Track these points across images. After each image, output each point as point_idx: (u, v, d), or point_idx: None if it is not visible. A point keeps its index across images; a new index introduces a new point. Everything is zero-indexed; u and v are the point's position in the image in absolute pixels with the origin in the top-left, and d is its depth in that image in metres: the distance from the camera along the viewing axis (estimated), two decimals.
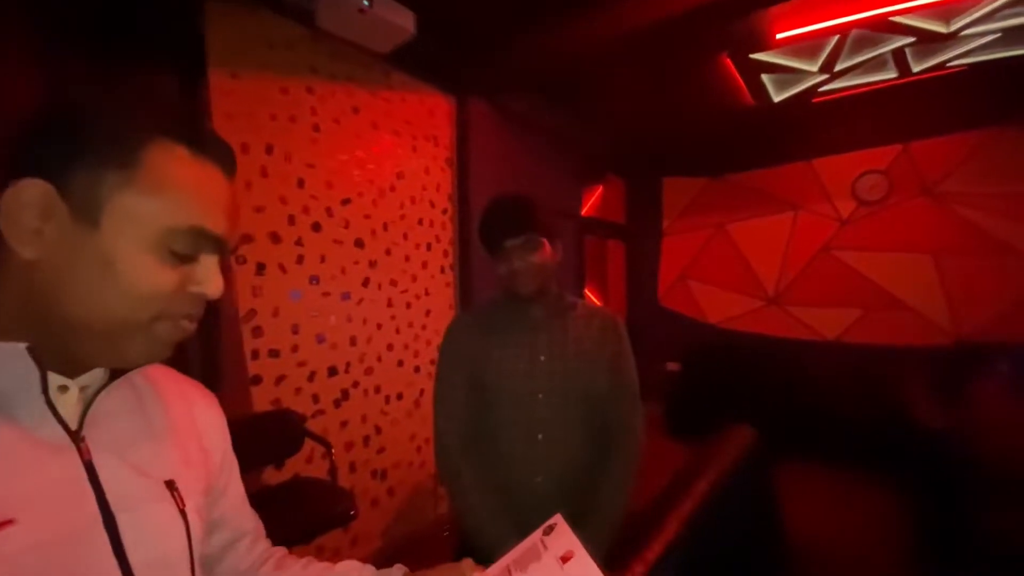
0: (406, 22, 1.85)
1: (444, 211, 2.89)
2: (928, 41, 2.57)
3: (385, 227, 2.55)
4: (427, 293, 2.78)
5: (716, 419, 2.35)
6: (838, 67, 2.93)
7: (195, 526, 0.53)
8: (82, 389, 0.48)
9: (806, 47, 2.77)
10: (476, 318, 1.25)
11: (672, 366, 4.66)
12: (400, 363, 2.64)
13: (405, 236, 2.65)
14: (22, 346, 0.43)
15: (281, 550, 0.72)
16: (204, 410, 0.62)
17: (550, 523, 0.68)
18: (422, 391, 2.75)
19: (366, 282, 2.46)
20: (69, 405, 0.47)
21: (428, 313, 2.79)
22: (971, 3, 2.24)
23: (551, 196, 3.75)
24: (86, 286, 0.43)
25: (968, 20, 2.33)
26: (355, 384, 2.40)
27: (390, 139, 2.57)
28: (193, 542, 0.52)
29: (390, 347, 2.58)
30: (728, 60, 2.91)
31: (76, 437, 0.46)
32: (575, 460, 1.15)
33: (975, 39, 2.55)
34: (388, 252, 2.57)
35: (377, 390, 2.51)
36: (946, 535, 2.06)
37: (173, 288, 0.46)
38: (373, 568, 0.69)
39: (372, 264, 2.49)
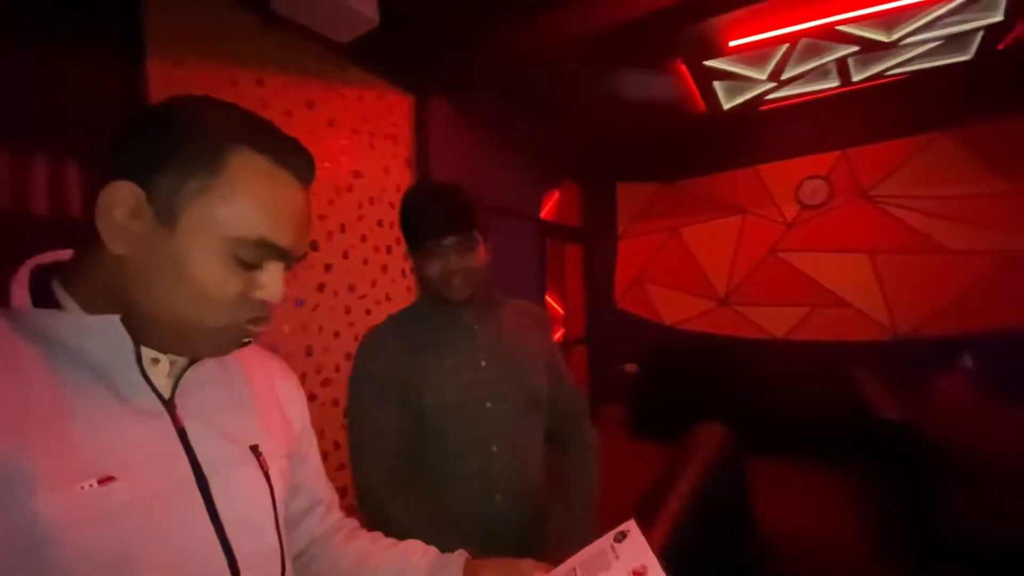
0: (370, 11, 1.75)
1: None
2: (871, 50, 2.73)
3: (342, 229, 2.41)
4: (388, 299, 2.66)
5: (675, 418, 2.37)
6: (785, 75, 3.06)
7: (278, 488, 0.57)
8: (172, 363, 0.52)
9: (756, 55, 2.87)
10: (397, 330, 1.07)
11: (630, 367, 4.72)
12: None
13: (364, 238, 2.52)
14: (116, 317, 0.46)
15: (353, 522, 0.76)
16: (284, 382, 0.67)
17: (622, 529, 0.62)
18: None
19: (322, 287, 2.32)
20: (161, 376, 0.51)
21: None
22: (914, 11, 2.39)
23: (511, 198, 3.71)
24: (161, 285, 0.46)
25: (910, 29, 2.49)
26: (311, 397, 2.24)
27: (347, 136, 2.45)
28: (277, 502, 0.56)
29: (349, 356, 2.43)
30: (683, 66, 2.98)
31: (169, 405, 0.50)
32: (532, 470, 1.07)
33: (915, 47, 2.73)
34: (345, 255, 2.43)
35: (335, 403, 2.36)
36: (909, 523, 2.15)
37: (237, 294, 0.49)
38: (436, 550, 0.72)
39: (328, 268, 2.35)
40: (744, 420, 2.30)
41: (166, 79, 1.73)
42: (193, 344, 0.50)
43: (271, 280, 0.50)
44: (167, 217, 0.45)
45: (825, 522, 2.73)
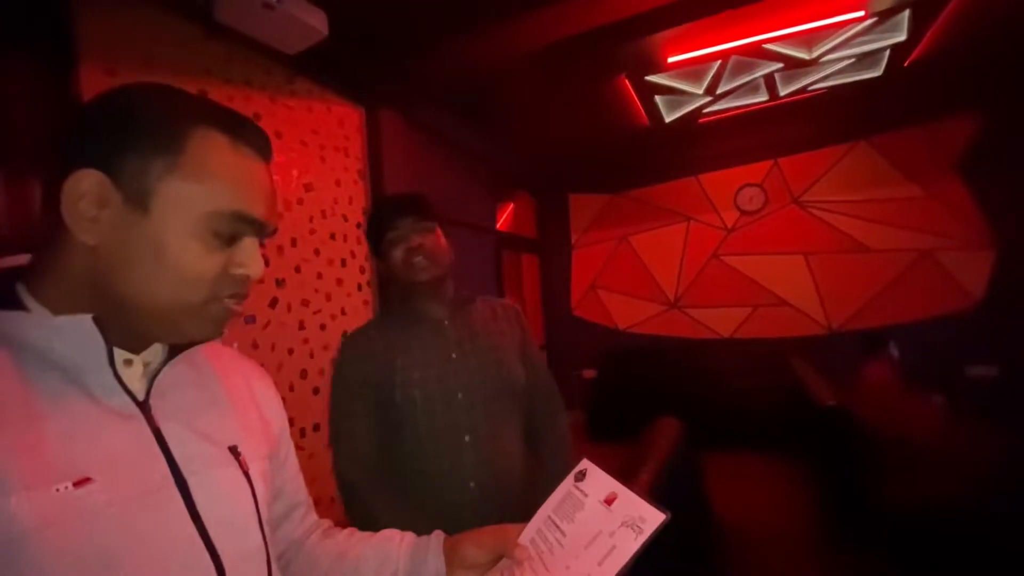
0: (319, 23, 1.74)
1: (358, 225, 2.74)
2: (794, 67, 2.97)
3: (293, 242, 2.36)
4: (343, 313, 2.61)
5: (632, 419, 2.45)
6: (719, 90, 3.26)
7: (260, 488, 0.56)
8: (146, 364, 0.52)
9: (693, 71, 3.05)
10: (370, 334, 1.15)
11: (587, 373, 4.81)
12: (316, 391, 2.42)
13: (317, 252, 2.47)
14: (88, 317, 0.45)
15: (328, 521, 0.76)
16: (260, 383, 0.67)
17: (579, 469, 0.64)
18: None
19: (273, 303, 2.25)
20: (135, 378, 0.50)
21: (345, 334, 2.61)
22: (829, 32, 2.62)
23: (466, 210, 3.73)
24: (140, 270, 0.46)
25: (827, 47, 2.73)
26: None
27: (296, 149, 2.41)
28: (259, 503, 0.55)
29: (303, 374, 2.37)
30: (627, 81, 3.13)
31: (144, 407, 0.49)
32: (507, 458, 1.11)
33: (833, 64, 2.99)
34: (298, 270, 2.37)
35: (290, 423, 2.27)
36: (846, 500, 2.30)
37: (218, 271, 0.49)
38: (412, 534, 0.72)
39: (279, 283, 2.28)
40: (696, 416, 2.41)
41: (98, 85, 1.65)
42: (178, 327, 0.49)
43: (250, 256, 0.51)
44: (138, 200, 0.45)
45: (773, 505, 2.87)
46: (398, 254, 1.08)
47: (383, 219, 1.10)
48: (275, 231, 0.54)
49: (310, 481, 2.35)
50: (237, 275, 0.50)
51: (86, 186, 0.44)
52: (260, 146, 0.52)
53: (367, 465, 1.05)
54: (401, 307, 1.15)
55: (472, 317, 1.16)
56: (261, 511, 0.55)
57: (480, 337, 1.13)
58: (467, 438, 1.06)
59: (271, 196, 0.52)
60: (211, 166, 0.47)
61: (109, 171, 0.44)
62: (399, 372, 1.07)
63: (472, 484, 1.05)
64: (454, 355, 1.10)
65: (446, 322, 1.13)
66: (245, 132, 0.50)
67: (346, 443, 1.07)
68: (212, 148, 0.48)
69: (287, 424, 0.69)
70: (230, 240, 0.49)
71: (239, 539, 0.52)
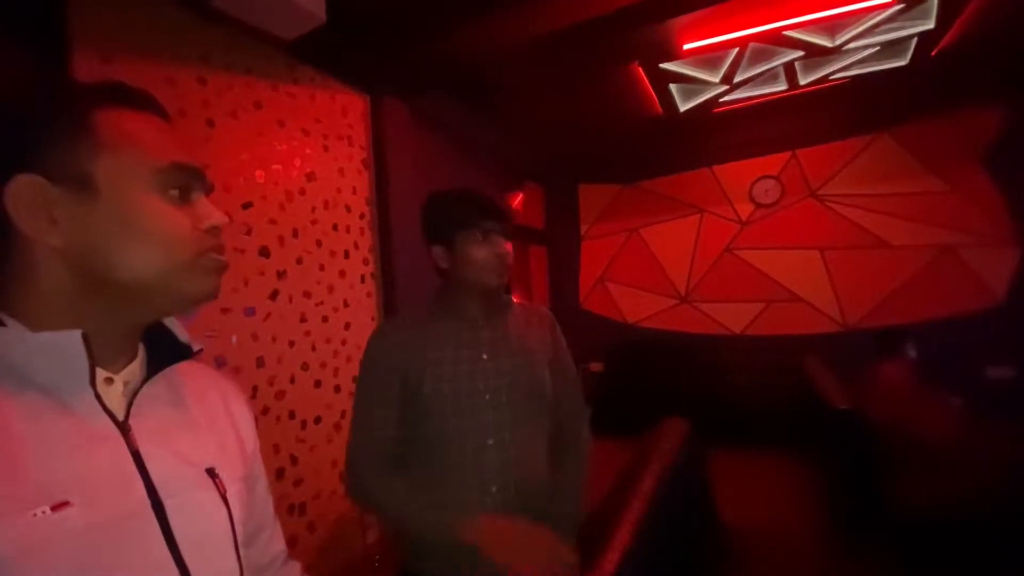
0: (316, 7, 1.68)
1: (362, 216, 2.70)
2: (815, 55, 2.85)
3: (295, 233, 2.32)
4: (346, 305, 2.57)
5: (639, 414, 2.40)
6: (737, 79, 3.15)
7: (236, 510, 0.56)
8: (125, 383, 0.51)
9: (710, 59, 2.95)
10: (405, 323, 1.14)
11: (595, 366, 4.76)
12: (317, 383, 2.40)
13: (319, 243, 2.44)
14: (77, 333, 0.45)
15: (298, 565, 0.74)
16: (236, 403, 0.66)
17: None
18: (343, 413, 2.52)
19: (274, 295, 2.22)
20: (114, 397, 0.50)
21: (348, 327, 2.58)
22: (854, 19, 2.50)
23: None
24: (120, 250, 0.46)
25: (850, 35, 2.61)
26: (264, 411, 2.14)
27: (298, 137, 2.36)
28: (236, 525, 0.55)
29: (305, 366, 2.34)
30: (640, 69, 3.03)
31: (123, 427, 0.49)
32: (530, 464, 1.08)
33: (855, 53, 2.87)
34: (299, 261, 2.34)
35: (291, 415, 2.26)
36: (859, 504, 2.24)
37: (189, 228, 0.50)
38: None
39: (281, 275, 2.25)
40: (705, 413, 2.36)
41: (92, 74, 1.61)
42: (181, 289, 0.50)
43: (208, 208, 0.52)
44: (83, 187, 0.45)
45: (782, 509, 2.82)
46: (482, 252, 1.06)
47: (479, 211, 1.06)
48: (212, 185, 0.55)
49: (312, 474, 2.32)
50: (208, 228, 0.52)
51: (24, 191, 0.44)
52: (156, 107, 0.53)
53: (378, 453, 1.05)
54: (441, 302, 1.14)
55: (507, 321, 1.15)
56: (237, 533, 0.55)
57: (513, 341, 1.12)
58: (490, 440, 1.04)
59: (191, 149, 0.53)
60: (128, 135, 0.48)
61: (41, 171, 0.44)
62: (430, 365, 1.06)
63: (494, 488, 1.03)
64: (485, 356, 1.08)
65: (480, 321, 1.12)
66: (136, 99, 0.51)
67: (361, 425, 1.07)
68: (121, 119, 0.48)
69: (258, 444, 0.68)
70: (183, 197, 0.51)
71: (213, 562, 0.52)
